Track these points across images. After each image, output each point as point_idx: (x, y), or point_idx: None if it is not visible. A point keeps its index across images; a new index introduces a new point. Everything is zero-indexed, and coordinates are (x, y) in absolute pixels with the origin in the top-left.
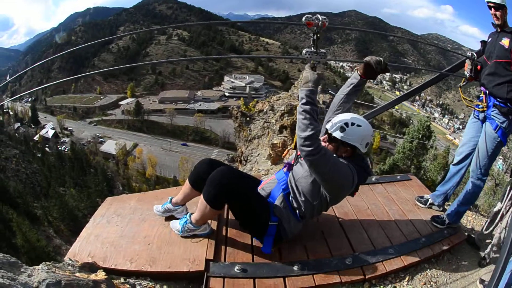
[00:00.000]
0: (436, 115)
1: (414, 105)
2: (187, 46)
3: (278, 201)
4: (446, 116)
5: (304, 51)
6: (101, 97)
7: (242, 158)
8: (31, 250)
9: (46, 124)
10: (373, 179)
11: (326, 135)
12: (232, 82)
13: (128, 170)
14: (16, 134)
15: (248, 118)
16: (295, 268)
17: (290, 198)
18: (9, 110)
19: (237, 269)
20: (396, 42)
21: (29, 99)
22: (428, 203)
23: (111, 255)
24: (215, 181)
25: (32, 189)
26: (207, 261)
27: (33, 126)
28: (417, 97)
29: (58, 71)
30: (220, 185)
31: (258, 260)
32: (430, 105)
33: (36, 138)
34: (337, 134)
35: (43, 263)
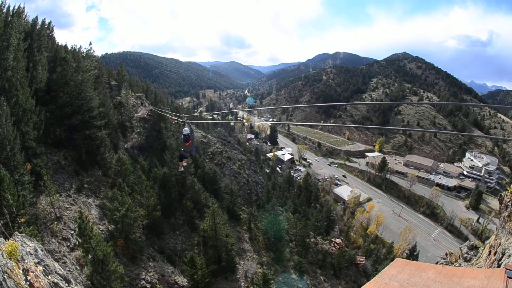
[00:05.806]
0: None
1: None
2: (437, 112)
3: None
4: None
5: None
6: (349, 143)
7: (497, 249)
8: (211, 238)
9: (283, 147)
10: None
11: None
12: (471, 160)
13: (353, 220)
14: (247, 143)
15: None
16: None
17: None
18: (244, 121)
19: None
20: None
21: (270, 119)
22: None
23: None
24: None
25: (248, 195)
26: None
27: (268, 144)
28: None
29: (306, 103)
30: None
31: None
32: None
33: (269, 155)
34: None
35: None
